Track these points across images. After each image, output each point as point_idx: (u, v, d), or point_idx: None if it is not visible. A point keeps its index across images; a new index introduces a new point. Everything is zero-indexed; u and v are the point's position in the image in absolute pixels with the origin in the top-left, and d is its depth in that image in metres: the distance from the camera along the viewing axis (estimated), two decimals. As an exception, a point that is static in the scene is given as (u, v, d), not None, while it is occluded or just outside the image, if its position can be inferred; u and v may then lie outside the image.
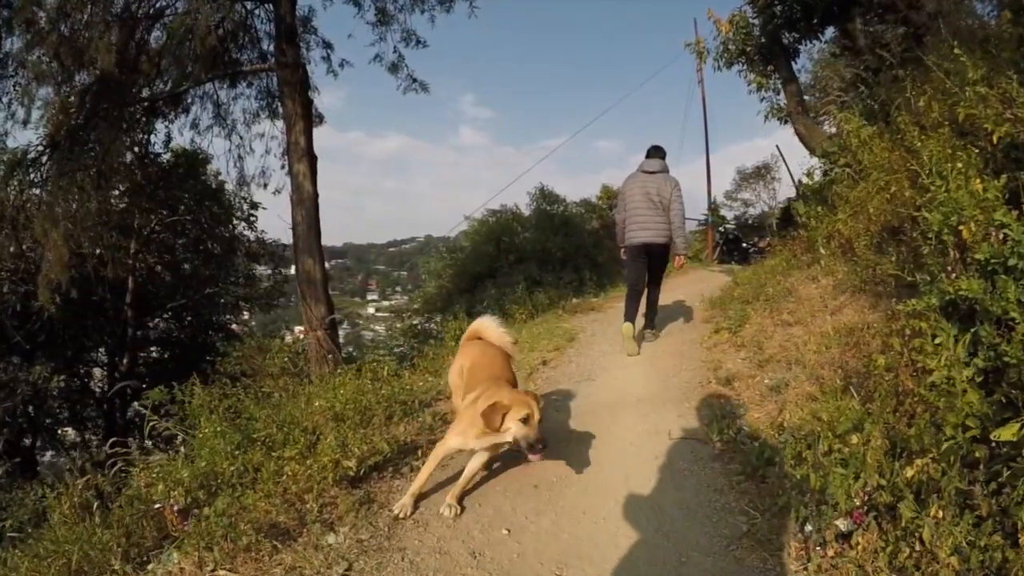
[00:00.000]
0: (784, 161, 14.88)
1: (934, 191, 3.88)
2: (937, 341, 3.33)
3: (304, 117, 8.71)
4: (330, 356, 7.90)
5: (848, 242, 6.11)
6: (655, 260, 6.32)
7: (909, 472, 2.78)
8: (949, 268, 3.63)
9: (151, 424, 4.22)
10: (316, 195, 8.44)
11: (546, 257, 13.37)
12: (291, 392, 5.95)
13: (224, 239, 14.30)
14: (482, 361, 3.94)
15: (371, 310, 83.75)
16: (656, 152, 6.32)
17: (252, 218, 14.46)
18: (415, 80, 10.05)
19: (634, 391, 5.26)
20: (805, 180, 8.97)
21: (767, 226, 24.06)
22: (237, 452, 3.91)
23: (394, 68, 9.95)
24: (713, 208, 21.52)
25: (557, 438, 4.27)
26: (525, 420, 3.23)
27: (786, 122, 9.80)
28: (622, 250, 6.42)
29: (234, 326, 16.99)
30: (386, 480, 3.87)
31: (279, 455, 3.79)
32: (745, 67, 9.29)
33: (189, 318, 15.21)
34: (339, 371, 6.07)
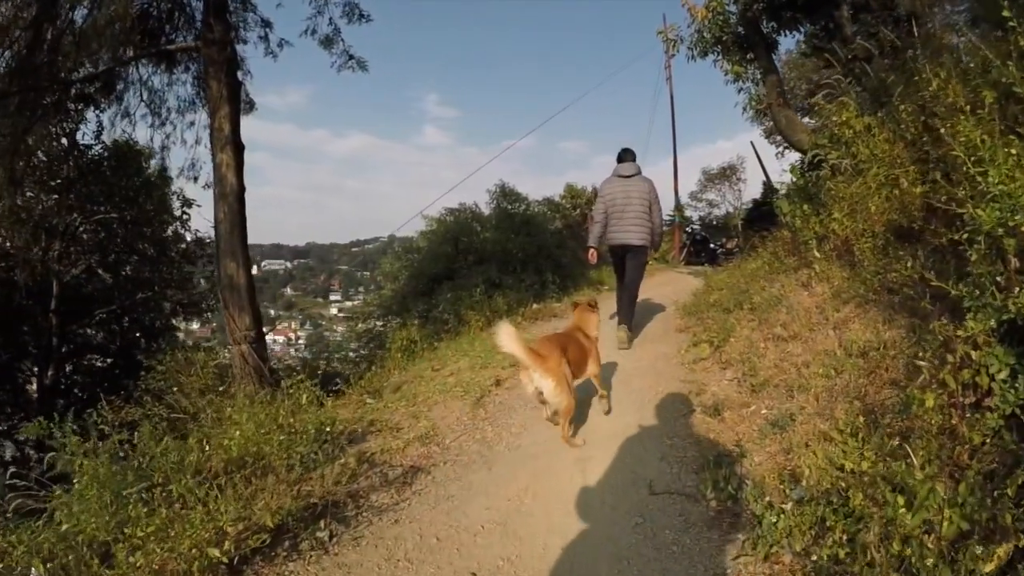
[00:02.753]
0: (758, 157, 14.19)
1: (985, 183, 3.02)
2: (1002, 376, 2.56)
3: (230, 101, 7.58)
4: (256, 374, 6.81)
5: (845, 244, 5.28)
6: (631, 259, 6.35)
7: (988, 567, 2.01)
8: (1006, 279, 2.80)
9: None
10: (242, 189, 7.33)
11: (507, 258, 12.39)
12: (207, 418, 4.93)
13: (155, 239, 12.96)
14: None
15: (334, 311, 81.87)
16: (627, 155, 6.41)
17: (185, 216, 13.15)
18: (351, 56, 8.92)
19: (603, 423, 4.32)
20: (788, 176, 8.19)
21: (732, 227, 23.66)
22: (115, 508, 2.87)
23: (328, 42, 8.82)
24: (679, 208, 20.85)
25: (504, 498, 3.32)
26: None
27: (765, 114, 9.04)
28: (590, 251, 6.44)
29: (180, 334, 15.66)
30: (277, 564, 2.83)
31: (136, 530, 2.73)
32: (720, 56, 8.44)
33: (126, 325, 13.80)
34: (256, 398, 5.02)
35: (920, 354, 3.51)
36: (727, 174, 28.28)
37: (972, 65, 4.17)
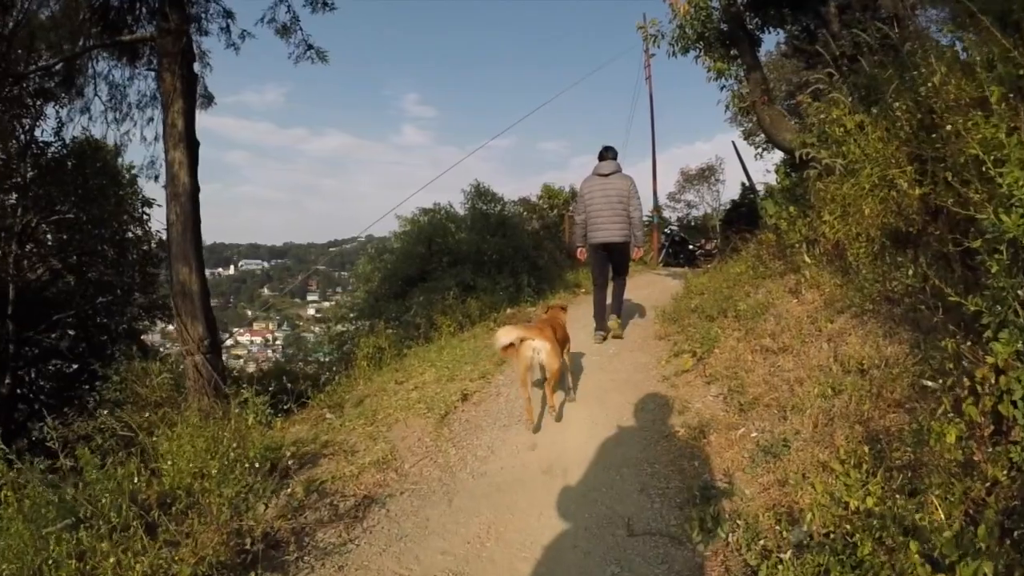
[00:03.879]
0: (740, 157, 13.87)
1: (1006, 186, 2.67)
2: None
3: (185, 95, 7.06)
4: (211, 386, 6.31)
5: (836, 249, 4.93)
6: (617, 256, 6.39)
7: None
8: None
9: None
10: (195, 189, 6.82)
11: (481, 260, 11.97)
12: (160, 434, 4.46)
13: (115, 241, 12.30)
14: None
15: (311, 311, 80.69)
16: (608, 153, 6.35)
17: (145, 216, 12.50)
18: (311, 47, 8.37)
19: (577, 446, 3.90)
20: (772, 177, 7.87)
21: (710, 228, 23.48)
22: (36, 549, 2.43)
23: (285, 31, 8.29)
24: (656, 209, 20.54)
25: (464, 540, 2.89)
26: None
27: (747, 114, 8.70)
28: (578, 250, 6.57)
29: (152, 337, 15.01)
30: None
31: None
32: (702, 53, 8.07)
33: (92, 330, 13.09)
34: (210, 412, 4.57)
35: (928, 374, 3.16)
36: (705, 175, 28.16)
37: (979, 58, 3.81)
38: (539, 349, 4.17)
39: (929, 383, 3.11)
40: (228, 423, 4.14)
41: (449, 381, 5.24)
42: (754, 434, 3.45)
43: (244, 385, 6.50)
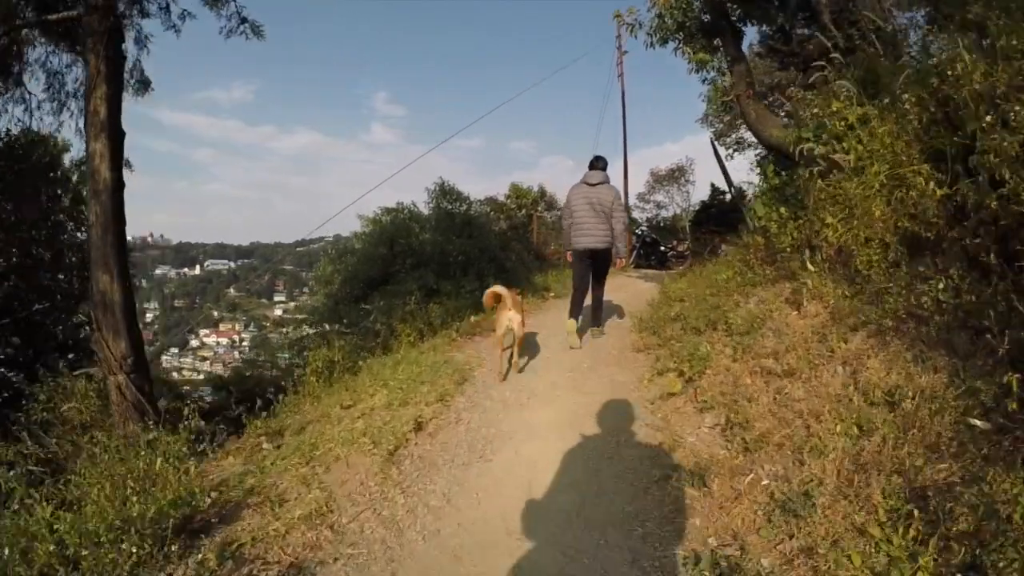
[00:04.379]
0: (718, 155, 13.30)
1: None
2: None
3: (109, 78, 6.23)
4: (136, 410, 5.53)
5: (839, 255, 4.37)
6: (598, 263, 6.42)
7: None
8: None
9: None
10: (119, 184, 6.01)
11: (446, 261, 11.27)
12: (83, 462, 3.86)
13: (49, 243, 11.23)
14: None
15: (278, 312, 78.89)
16: (598, 163, 6.40)
17: (79, 215, 11.46)
18: (244, 20, 7.54)
19: (550, 495, 3.24)
20: (754, 176, 7.36)
21: (680, 228, 23.18)
22: None
23: (215, 1, 7.48)
24: (627, 210, 20.06)
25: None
26: None
27: (728, 109, 8.19)
28: (567, 254, 6.65)
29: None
30: None
31: None
32: (682, 44, 7.51)
33: (37, 339, 11.98)
34: (137, 440, 3.87)
35: (976, 411, 2.61)
36: (675, 175, 27.69)
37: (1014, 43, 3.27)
38: (513, 319, 5.31)
39: (977, 423, 2.55)
40: (138, 462, 3.44)
41: (402, 406, 4.54)
42: (765, 481, 2.84)
43: (186, 403, 5.78)
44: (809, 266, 4.42)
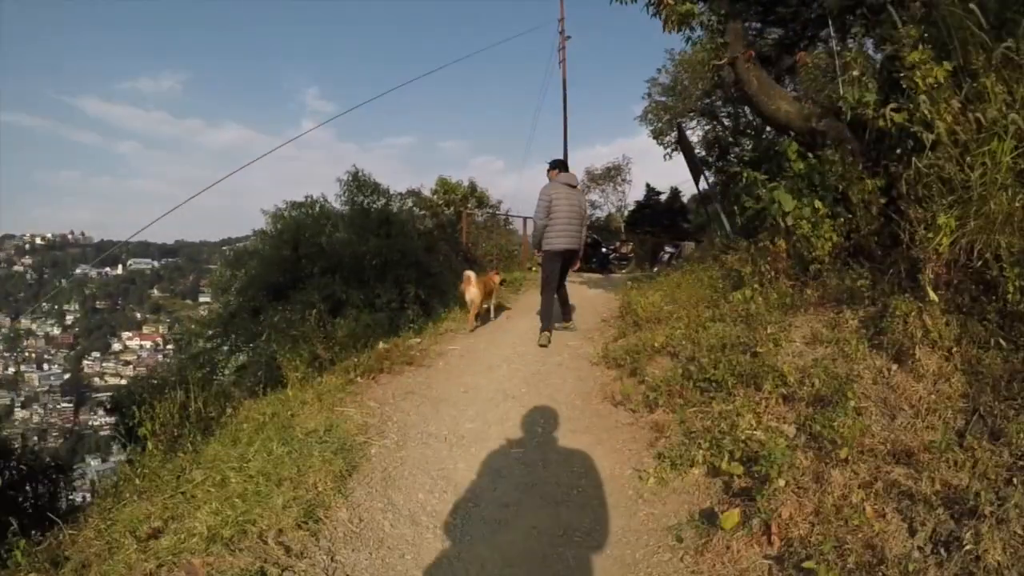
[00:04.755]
0: (687, 143, 11.72)
1: None
2: None
3: None
4: None
5: (950, 272, 2.77)
6: (569, 262, 6.34)
7: None
8: None
9: None
10: None
11: (360, 266, 9.31)
12: None
13: None
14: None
15: (204, 312, 74.29)
16: (565, 165, 6.54)
17: None
18: None
19: None
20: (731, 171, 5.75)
21: (615, 228, 22.00)
22: None
23: None
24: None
25: None
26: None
27: (716, 76, 6.60)
28: (539, 253, 6.46)
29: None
30: None
31: None
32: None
33: None
34: None
35: None
36: (612, 174, 26.44)
37: None
38: (474, 291, 6.85)
39: None
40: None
41: (239, 535, 2.60)
42: None
43: None
44: (932, 295, 2.72)
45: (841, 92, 4.12)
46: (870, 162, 4.12)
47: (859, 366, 2.74)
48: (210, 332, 11.04)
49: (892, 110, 3.60)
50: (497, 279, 7.66)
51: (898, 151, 3.77)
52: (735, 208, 6.78)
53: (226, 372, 9.82)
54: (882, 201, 3.86)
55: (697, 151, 15.19)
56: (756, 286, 4.12)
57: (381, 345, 5.91)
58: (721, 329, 4.01)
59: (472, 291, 6.79)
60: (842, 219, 3.98)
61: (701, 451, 2.82)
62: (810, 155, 4.31)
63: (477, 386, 4.65)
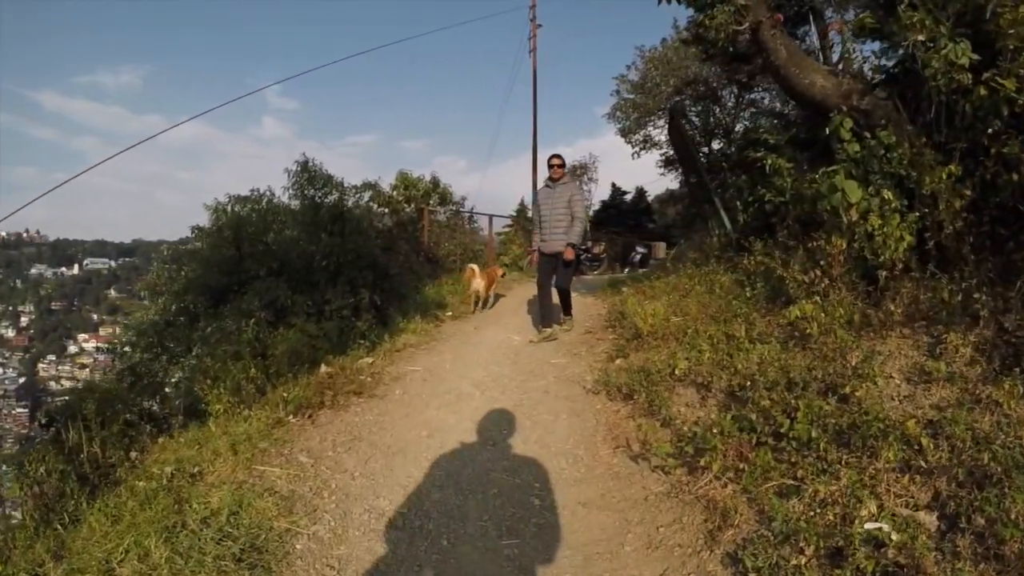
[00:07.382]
0: (682, 131, 10.64)
1: None
2: None
3: None
4: None
5: None
6: (562, 261, 5.90)
7: None
8: None
9: None
10: None
11: (310, 267, 8.04)
12: None
13: None
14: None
15: (140, 316, 71.49)
16: (556, 159, 6.15)
17: None
18: None
19: None
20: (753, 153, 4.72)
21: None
22: None
23: None
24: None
25: None
26: None
27: (727, 48, 5.55)
28: (532, 255, 6.43)
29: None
30: None
31: None
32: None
33: None
34: None
35: None
36: (578, 173, 25.52)
37: None
38: (479, 283, 7.73)
39: None
40: None
41: None
42: None
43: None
44: None
45: (922, 53, 3.09)
46: (934, 146, 3.16)
47: (1007, 417, 1.74)
48: (143, 342, 9.58)
49: (992, 76, 2.64)
50: (499, 272, 8.60)
51: (990, 131, 2.83)
52: (737, 203, 5.82)
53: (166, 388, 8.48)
54: (967, 192, 2.89)
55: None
56: (817, 299, 3.07)
57: (324, 369, 4.69)
58: (767, 353, 2.96)
59: (477, 283, 7.68)
60: (916, 214, 2.99)
61: (804, 556, 1.75)
62: (867, 135, 3.30)
63: (444, 426, 3.52)
